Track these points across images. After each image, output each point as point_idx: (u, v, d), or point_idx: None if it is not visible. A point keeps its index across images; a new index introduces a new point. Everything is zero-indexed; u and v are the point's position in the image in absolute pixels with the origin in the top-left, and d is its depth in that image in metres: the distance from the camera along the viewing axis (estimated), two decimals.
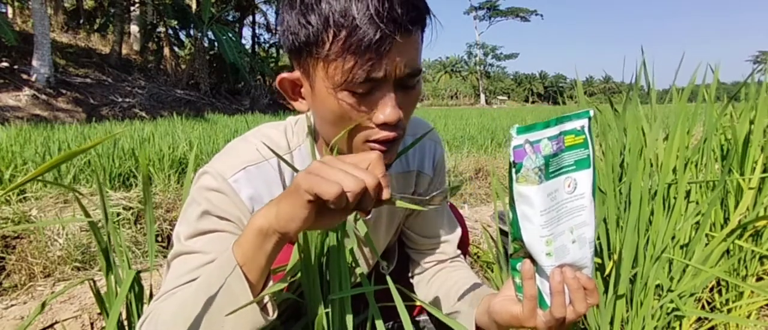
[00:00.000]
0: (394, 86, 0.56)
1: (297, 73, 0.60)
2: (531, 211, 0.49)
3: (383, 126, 0.57)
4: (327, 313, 0.59)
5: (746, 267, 1.14)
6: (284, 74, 0.61)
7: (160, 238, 2.01)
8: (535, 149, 0.48)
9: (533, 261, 0.52)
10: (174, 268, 0.60)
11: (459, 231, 0.90)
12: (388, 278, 0.61)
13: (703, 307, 1.19)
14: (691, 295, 0.93)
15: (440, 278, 0.85)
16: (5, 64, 10.12)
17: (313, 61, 0.55)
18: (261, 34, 23.25)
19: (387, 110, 0.56)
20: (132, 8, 15.34)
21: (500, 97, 62.84)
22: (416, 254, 0.90)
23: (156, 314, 0.55)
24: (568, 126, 0.50)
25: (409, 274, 0.91)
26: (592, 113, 0.51)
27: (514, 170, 0.49)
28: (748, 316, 1.11)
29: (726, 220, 1.16)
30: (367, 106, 0.56)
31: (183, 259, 0.60)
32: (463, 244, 1.04)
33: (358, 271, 0.69)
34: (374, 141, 0.59)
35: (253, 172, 0.65)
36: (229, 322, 0.49)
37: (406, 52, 0.54)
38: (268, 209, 0.48)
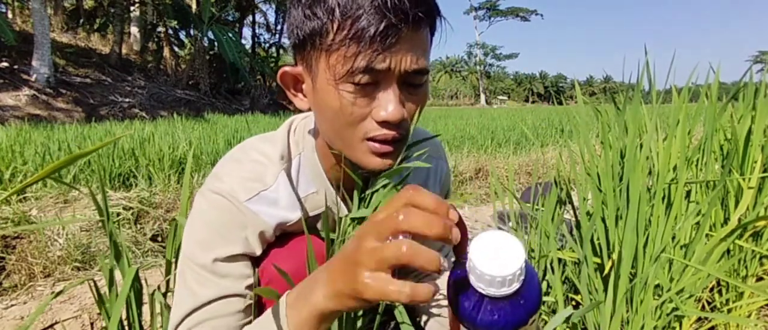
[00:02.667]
0: (399, 82, 0.54)
1: (299, 69, 0.58)
2: None
3: (384, 124, 0.54)
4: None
5: (746, 267, 1.14)
6: (286, 68, 0.60)
7: (159, 238, 2.01)
8: None
9: None
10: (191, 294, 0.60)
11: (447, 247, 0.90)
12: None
13: (703, 307, 1.19)
14: (691, 295, 0.93)
15: None
16: (5, 64, 10.11)
17: (316, 53, 0.54)
18: (261, 34, 23.32)
19: (390, 106, 0.53)
20: (132, 8, 15.34)
21: (500, 97, 62.82)
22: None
23: None
24: None
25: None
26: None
27: None
28: (748, 316, 1.11)
29: (726, 219, 1.16)
30: (368, 101, 0.54)
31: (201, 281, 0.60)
32: (463, 246, 1.03)
33: None
34: (373, 139, 0.56)
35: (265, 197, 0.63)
36: None
37: (412, 47, 0.52)
38: (322, 293, 0.44)
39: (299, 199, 0.66)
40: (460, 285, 0.40)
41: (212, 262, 0.59)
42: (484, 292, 0.38)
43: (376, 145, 0.56)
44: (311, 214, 0.68)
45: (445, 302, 0.79)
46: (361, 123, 0.55)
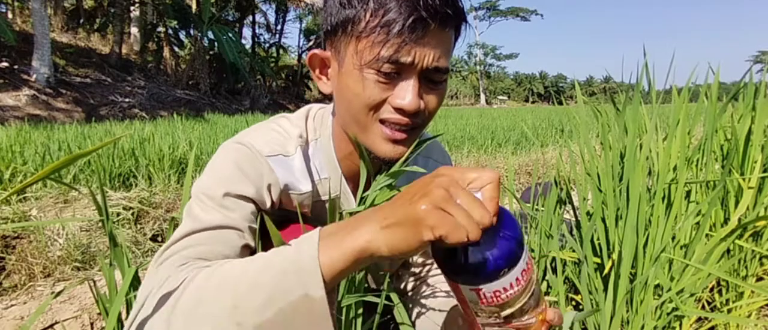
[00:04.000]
0: (419, 76, 0.57)
1: (328, 53, 0.62)
2: None
3: (400, 111, 0.57)
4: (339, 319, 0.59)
5: (746, 267, 1.14)
6: (316, 50, 0.63)
7: (159, 238, 2.01)
8: None
9: None
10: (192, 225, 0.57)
11: None
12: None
13: (703, 307, 1.19)
14: (691, 295, 0.93)
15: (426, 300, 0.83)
16: (5, 64, 10.11)
17: (346, 39, 0.57)
18: (261, 34, 23.17)
19: (407, 96, 0.56)
20: (132, 8, 15.33)
21: (500, 97, 62.77)
22: (408, 265, 0.89)
23: (189, 281, 0.46)
24: None
25: (402, 285, 0.90)
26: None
27: None
28: (748, 316, 1.11)
29: (726, 219, 1.16)
30: (388, 88, 0.57)
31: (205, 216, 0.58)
32: None
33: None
34: (386, 121, 0.58)
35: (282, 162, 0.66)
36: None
37: (437, 44, 0.56)
38: (374, 227, 0.41)
39: (312, 179, 0.68)
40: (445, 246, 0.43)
41: (222, 196, 0.59)
42: None
43: (388, 130, 0.59)
44: (322, 198, 0.70)
45: (436, 304, 0.79)
46: (378, 107, 0.58)
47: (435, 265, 0.89)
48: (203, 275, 0.46)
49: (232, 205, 0.60)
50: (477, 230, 0.38)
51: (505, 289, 0.42)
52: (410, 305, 0.84)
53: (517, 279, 0.42)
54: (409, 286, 0.88)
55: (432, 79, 0.59)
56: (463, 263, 0.41)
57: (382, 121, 0.59)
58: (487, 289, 0.42)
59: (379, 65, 0.55)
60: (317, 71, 0.65)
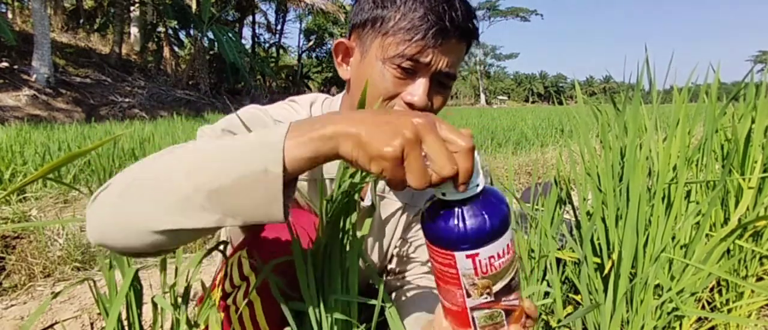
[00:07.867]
0: (431, 78, 0.64)
1: (353, 43, 0.69)
2: None
3: (410, 106, 0.64)
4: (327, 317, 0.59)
5: (746, 267, 1.14)
6: (343, 39, 0.70)
7: None
8: None
9: None
10: None
11: None
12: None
13: (703, 306, 1.19)
14: (692, 294, 0.93)
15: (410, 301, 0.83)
16: (5, 64, 10.11)
17: (373, 34, 0.64)
18: (261, 34, 23.21)
19: (417, 92, 0.63)
20: (132, 8, 15.33)
21: (500, 97, 62.78)
22: (398, 262, 0.89)
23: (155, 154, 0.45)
24: None
25: (389, 277, 0.90)
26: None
27: None
28: (749, 316, 1.11)
29: (726, 219, 1.16)
30: (402, 83, 0.64)
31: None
32: None
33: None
34: None
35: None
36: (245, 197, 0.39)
37: (451, 53, 0.64)
38: (343, 123, 0.39)
39: None
40: (432, 210, 0.44)
41: (221, 130, 0.64)
42: (452, 198, 0.42)
43: None
44: (325, 175, 0.74)
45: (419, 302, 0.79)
46: (391, 99, 0.65)
47: (412, 269, 0.88)
48: (166, 149, 0.45)
49: (229, 135, 0.62)
50: (428, 179, 0.38)
51: (498, 256, 0.43)
52: (397, 295, 0.84)
53: (508, 245, 0.44)
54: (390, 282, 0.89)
55: (441, 82, 0.66)
56: (462, 227, 0.42)
57: None
58: (483, 253, 0.43)
59: (400, 61, 0.62)
60: (339, 58, 0.71)
